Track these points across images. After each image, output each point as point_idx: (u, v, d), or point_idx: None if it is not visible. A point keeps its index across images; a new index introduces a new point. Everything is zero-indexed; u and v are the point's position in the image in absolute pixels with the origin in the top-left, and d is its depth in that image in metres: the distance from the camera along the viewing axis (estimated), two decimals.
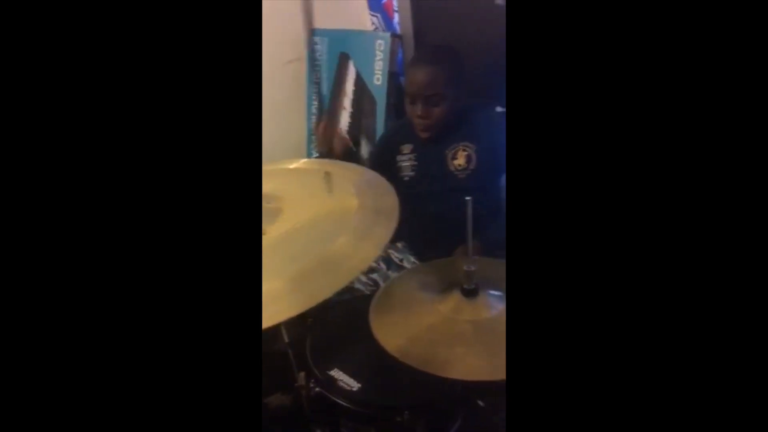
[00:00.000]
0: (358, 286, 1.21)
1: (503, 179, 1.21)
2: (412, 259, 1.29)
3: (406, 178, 1.23)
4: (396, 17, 1.57)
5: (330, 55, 1.64)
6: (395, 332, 0.75)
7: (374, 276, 1.23)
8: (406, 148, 1.23)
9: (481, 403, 0.86)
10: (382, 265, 1.27)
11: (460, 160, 1.15)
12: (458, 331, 0.74)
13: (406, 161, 1.23)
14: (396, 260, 1.30)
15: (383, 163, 1.26)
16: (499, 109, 1.45)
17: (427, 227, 1.23)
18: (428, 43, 1.53)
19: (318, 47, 1.66)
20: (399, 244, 1.33)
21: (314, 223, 0.59)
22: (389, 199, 0.70)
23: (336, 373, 0.85)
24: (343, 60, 1.63)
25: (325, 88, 1.68)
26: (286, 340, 0.90)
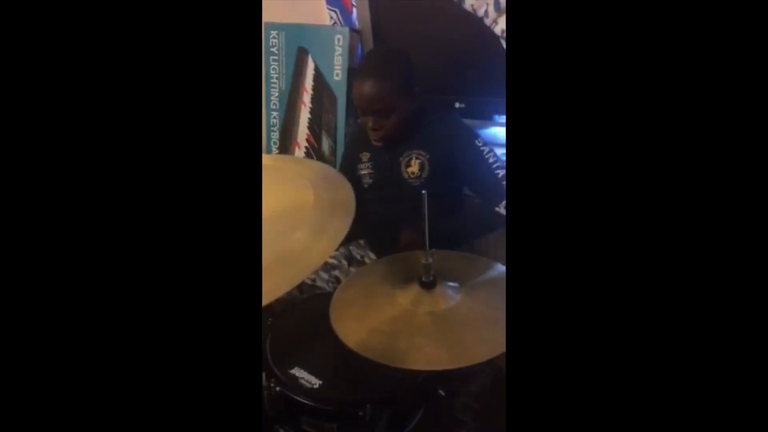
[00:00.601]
0: (320, 283, 1.20)
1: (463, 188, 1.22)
2: (373, 255, 1.30)
3: (366, 185, 1.23)
4: (354, 12, 1.57)
5: (288, 50, 1.62)
6: (355, 327, 0.75)
7: (336, 273, 1.23)
8: (365, 156, 1.23)
9: (441, 392, 0.88)
10: (344, 262, 1.27)
11: (414, 168, 1.15)
12: (417, 322, 0.75)
13: (365, 169, 1.23)
14: (357, 257, 1.30)
15: (348, 173, 1.24)
16: (457, 105, 1.47)
17: (384, 232, 1.23)
18: (374, 49, 1.51)
19: (275, 41, 1.63)
20: (361, 241, 1.33)
21: (270, 219, 0.58)
22: (344, 191, 0.70)
23: (297, 372, 0.84)
24: (301, 54, 1.60)
25: (284, 84, 1.65)
26: None
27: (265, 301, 0.51)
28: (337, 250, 1.28)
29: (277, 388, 0.82)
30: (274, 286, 0.53)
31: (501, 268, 0.85)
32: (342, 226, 0.61)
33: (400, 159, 1.16)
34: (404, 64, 1.13)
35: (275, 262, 0.56)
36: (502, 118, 1.44)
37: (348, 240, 1.33)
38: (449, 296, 0.78)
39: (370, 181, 1.23)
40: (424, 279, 0.79)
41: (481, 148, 1.11)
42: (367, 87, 1.08)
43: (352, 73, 1.52)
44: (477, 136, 1.13)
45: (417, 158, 1.15)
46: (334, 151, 1.63)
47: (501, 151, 1.19)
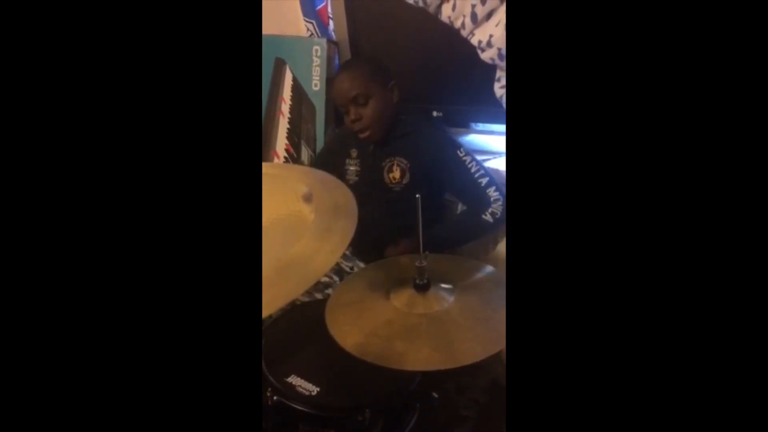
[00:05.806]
0: None
1: (443, 194, 1.25)
2: (361, 264, 1.30)
3: (350, 182, 1.25)
4: (331, 24, 1.59)
5: (265, 61, 1.62)
6: (352, 331, 0.76)
7: (329, 291, 1.22)
8: (354, 152, 1.26)
9: (435, 395, 0.89)
10: (336, 278, 1.27)
11: (395, 174, 1.18)
12: (412, 324, 0.76)
13: (352, 166, 1.25)
14: (347, 269, 1.30)
15: (332, 164, 1.27)
16: (435, 113, 1.51)
17: (367, 232, 1.24)
18: (357, 54, 1.56)
19: None
20: (347, 252, 1.34)
21: (271, 227, 0.58)
22: (343, 193, 0.70)
23: (294, 380, 0.84)
24: (278, 65, 1.61)
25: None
26: None
27: (273, 309, 0.52)
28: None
29: (275, 397, 0.82)
30: (281, 294, 0.53)
31: (492, 269, 0.88)
32: (347, 226, 0.62)
33: (383, 164, 1.19)
34: (374, 63, 1.19)
35: (280, 271, 0.56)
36: (479, 126, 1.49)
37: None
38: (443, 298, 0.80)
39: (356, 178, 1.24)
40: (418, 282, 0.81)
41: (463, 158, 1.14)
42: (341, 80, 1.14)
43: (331, 82, 1.54)
44: (459, 146, 1.16)
45: (399, 165, 1.18)
46: (313, 161, 1.64)
47: (479, 158, 1.23)
